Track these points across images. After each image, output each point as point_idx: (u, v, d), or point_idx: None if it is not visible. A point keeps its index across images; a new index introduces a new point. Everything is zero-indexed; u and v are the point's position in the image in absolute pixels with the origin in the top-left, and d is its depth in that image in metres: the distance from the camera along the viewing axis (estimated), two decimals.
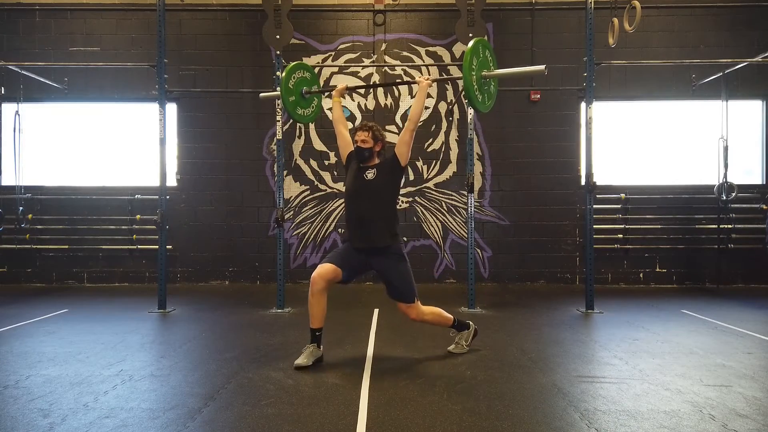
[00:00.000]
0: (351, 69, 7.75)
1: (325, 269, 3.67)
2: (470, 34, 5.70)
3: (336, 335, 4.57)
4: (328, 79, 7.76)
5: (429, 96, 7.74)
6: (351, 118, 7.76)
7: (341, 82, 7.68)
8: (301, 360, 3.67)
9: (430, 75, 7.72)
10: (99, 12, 7.78)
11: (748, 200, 7.44)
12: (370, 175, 3.76)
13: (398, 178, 3.86)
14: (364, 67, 7.71)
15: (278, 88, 4.35)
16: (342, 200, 7.76)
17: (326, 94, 5.76)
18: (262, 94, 4.93)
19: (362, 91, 7.76)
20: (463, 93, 3.51)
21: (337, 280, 3.73)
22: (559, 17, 7.71)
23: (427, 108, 7.72)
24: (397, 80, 7.59)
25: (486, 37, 7.58)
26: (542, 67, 3.57)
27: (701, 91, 7.45)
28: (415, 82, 3.92)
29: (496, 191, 7.76)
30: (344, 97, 4.14)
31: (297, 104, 4.23)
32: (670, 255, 7.65)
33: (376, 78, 7.77)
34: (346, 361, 3.86)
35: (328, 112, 7.57)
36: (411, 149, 3.82)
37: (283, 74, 4.14)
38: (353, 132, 3.87)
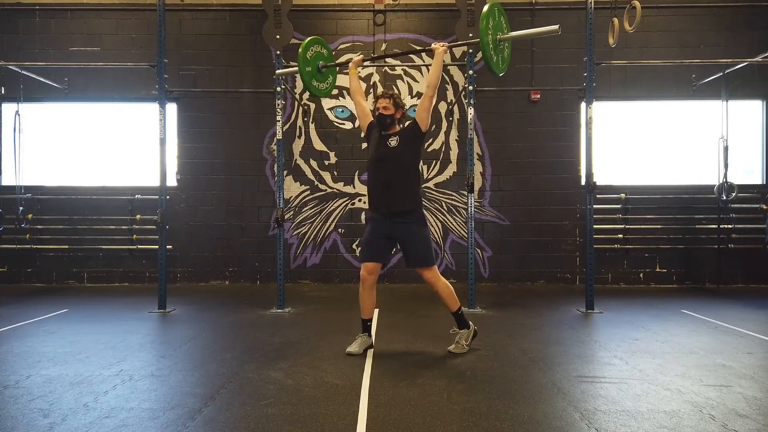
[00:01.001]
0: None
1: (371, 267, 3.98)
2: (470, 35, 5.70)
3: (336, 335, 4.57)
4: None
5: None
6: (351, 117, 7.77)
7: (342, 82, 7.70)
8: (352, 348, 3.99)
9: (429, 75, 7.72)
10: (99, 12, 7.78)
11: (748, 200, 7.44)
12: (393, 142, 3.93)
13: (420, 143, 4.04)
14: (364, 67, 7.71)
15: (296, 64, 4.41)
16: (342, 200, 7.77)
17: (342, 70, 5.78)
18: (278, 70, 5.02)
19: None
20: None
21: (381, 268, 4.06)
22: (559, 17, 7.69)
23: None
24: (399, 86, 7.59)
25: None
26: (556, 27, 3.67)
27: (701, 91, 7.45)
28: (429, 49, 4.01)
29: (496, 191, 7.76)
30: (361, 67, 4.38)
31: (313, 76, 4.30)
32: (670, 255, 7.65)
33: (376, 78, 7.77)
34: (346, 361, 3.86)
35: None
36: (430, 114, 3.97)
37: (300, 48, 4.19)
38: (374, 101, 4.07)
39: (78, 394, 3.15)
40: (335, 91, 7.75)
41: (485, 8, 3.66)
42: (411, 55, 7.72)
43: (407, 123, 4.06)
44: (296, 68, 4.29)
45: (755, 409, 2.91)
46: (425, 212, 4.54)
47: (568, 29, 7.66)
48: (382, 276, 7.71)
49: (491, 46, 3.66)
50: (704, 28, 7.68)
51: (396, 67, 7.73)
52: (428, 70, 7.69)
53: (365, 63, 4.93)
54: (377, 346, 4.23)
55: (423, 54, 7.72)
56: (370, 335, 4.12)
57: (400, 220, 3.91)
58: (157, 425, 2.70)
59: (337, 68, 4.58)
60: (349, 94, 7.74)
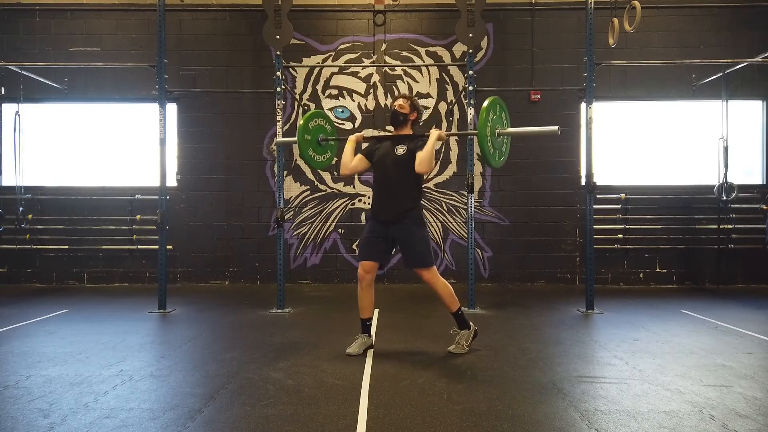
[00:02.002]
0: (351, 69, 7.75)
1: (368, 266, 3.97)
2: (470, 35, 5.70)
3: (336, 335, 4.57)
4: (328, 79, 7.77)
5: (429, 96, 7.74)
6: (351, 118, 7.77)
7: (342, 82, 7.74)
8: (351, 348, 3.99)
9: (430, 76, 7.72)
10: (99, 12, 7.78)
11: (748, 200, 7.44)
12: (400, 150, 3.92)
13: None
14: (364, 67, 7.71)
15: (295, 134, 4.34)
16: (342, 200, 7.77)
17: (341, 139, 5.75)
18: (277, 140, 5.05)
19: (362, 91, 7.77)
20: (478, 154, 3.63)
21: (378, 268, 4.04)
22: (559, 17, 7.71)
23: (426, 108, 7.72)
24: (401, 87, 7.62)
25: (486, 38, 7.66)
26: (555, 128, 3.75)
27: (701, 91, 7.45)
28: (427, 135, 3.90)
29: (496, 191, 7.76)
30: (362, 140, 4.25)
31: (314, 150, 4.29)
32: (670, 255, 7.65)
33: (376, 78, 7.77)
34: (346, 361, 3.86)
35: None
36: (434, 158, 3.97)
37: (301, 122, 4.20)
38: (393, 100, 4.10)
39: (78, 394, 3.15)
40: (335, 91, 7.76)
41: (486, 102, 3.70)
42: (411, 55, 7.73)
43: (417, 142, 3.91)
44: (295, 139, 4.26)
45: (755, 409, 2.91)
46: (424, 213, 4.50)
47: (568, 29, 7.69)
48: (381, 276, 7.71)
49: (489, 139, 3.70)
50: (704, 28, 7.68)
51: (396, 68, 7.73)
52: (428, 71, 7.73)
53: (364, 63, 4.92)
54: (377, 346, 4.23)
55: (423, 55, 7.75)
56: (369, 335, 4.12)
57: (398, 223, 3.90)
58: (157, 425, 2.70)
59: (337, 143, 4.49)
60: (348, 94, 7.77)
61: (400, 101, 4.02)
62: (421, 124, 4.13)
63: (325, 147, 4.40)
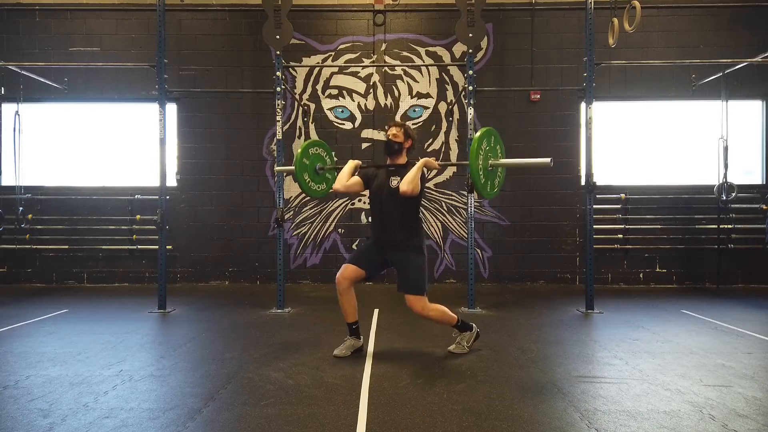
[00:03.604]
0: (351, 69, 7.75)
1: (347, 271, 3.88)
2: (470, 35, 5.70)
3: (336, 335, 4.57)
4: (328, 79, 7.77)
5: (429, 96, 7.75)
6: (351, 118, 7.77)
7: (342, 82, 7.74)
8: (338, 351, 3.96)
9: (430, 76, 7.72)
10: (99, 12, 7.78)
11: (748, 200, 7.44)
12: (394, 183, 3.82)
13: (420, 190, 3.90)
14: (364, 67, 7.71)
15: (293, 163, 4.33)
16: (342, 200, 7.77)
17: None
18: (277, 168, 5.06)
19: (362, 91, 7.77)
20: (469, 180, 3.56)
21: (361, 278, 3.93)
22: (559, 17, 7.71)
23: (426, 108, 7.73)
24: (400, 87, 7.61)
25: (486, 38, 7.66)
26: (548, 160, 3.66)
27: (701, 91, 7.45)
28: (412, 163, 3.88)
29: None
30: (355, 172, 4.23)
31: (310, 176, 4.31)
32: (670, 255, 7.65)
33: (376, 78, 7.77)
34: (346, 361, 3.86)
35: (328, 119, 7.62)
36: (417, 187, 3.72)
37: (299, 150, 4.23)
38: (385, 128, 4.07)
39: (78, 394, 3.15)
40: (335, 91, 7.76)
41: (478, 133, 3.64)
42: (411, 55, 7.73)
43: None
44: (293, 168, 4.25)
45: (755, 409, 2.91)
46: (421, 210, 4.39)
47: (568, 29, 7.69)
48: (381, 276, 7.70)
49: (481, 171, 3.62)
50: (704, 28, 7.68)
51: (396, 68, 7.73)
52: (428, 71, 7.73)
53: (364, 62, 4.92)
54: (377, 346, 4.23)
55: (423, 55, 7.75)
56: (358, 337, 4.04)
57: (398, 250, 3.84)
58: (157, 425, 2.70)
59: (334, 176, 4.48)
60: (348, 94, 7.76)
61: (394, 130, 3.92)
62: (415, 150, 4.04)
63: (322, 177, 4.44)
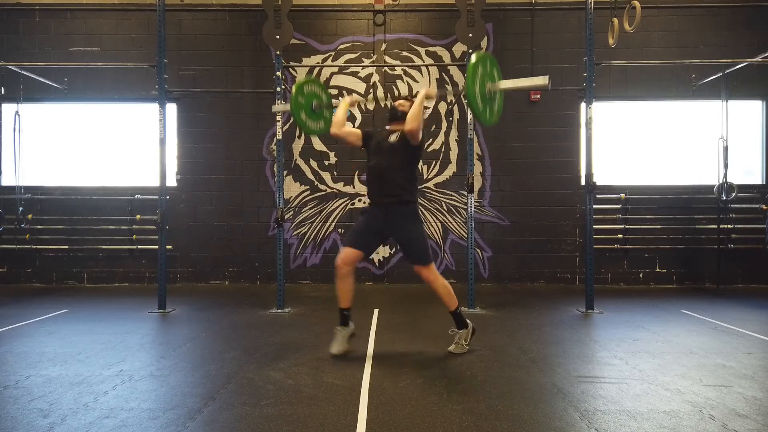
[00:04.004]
0: (351, 69, 7.75)
1: (347, 254, 3.95)
2: (470, 35, 5.70)
3: None
4: (328, 80, 7.76)
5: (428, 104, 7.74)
6: (351, 118, 7.76)
7: (342, 82, 7.73)
8: (335, 348, 3.98)
9: (430, 76, 7.72)
10: (99, 12, 7.78)
11: (748, 200, 7.44)
12: (393, 138, 4.01)
13: (417, 149, 4.03)
14: (364, 67, 7.71)
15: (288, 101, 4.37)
16: (342, 200, 7.77)
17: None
18: (274, 108, 5.04)
19: (362, 91, 7.76)
20: (467, 103, 3.54)
21: (360, 260, 4.01)
22: (559, 17, 7.71)
23: (426, 108, 7.69)
24: (400, 87, 7.61)
25: (486, 38, 7.66)
26: (545, 79, 3.58)
27: (701, 91, 7.45)
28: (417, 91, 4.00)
29: (496, 191, 7.76)
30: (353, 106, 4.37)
31: (306, 114, 4.29)
32: (670, 255, 7.65)
33: (376, 78, 7.77)
34: (346, 361, 3.86)
35: None
36: (419, 133, 3.90)
37: (295, 85, 4.18)
38: (391, 101, 4.15)
39: (78, 394, 3.15)
40: (335, 91, 7.76)
41: (473, 58, 3.58)
42: (411, 55, 7.72)
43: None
44: (289, 106, 4.25)
45: (755, 409, 2.91)
46: (421, 210, 4.51)
47: (568, 29, 7.69)
48: (381, 276, 7.73)
49: (479, 96, 3.58)
50: (704, 28, 7.68)
51: (396, 68, 7.73)
52: (428, 71, 7.73)
53: (364, 63, 4.93)
54: (377, 347, 4.23)
55: (423, 55, 7.75)
56: (347, 324, 4.05)
57: (394, 213, 3.92)
58: (157, 425, 2.70)
59: (331, 113, 4.49)
60: (348, 94, 7.76)
61: (402, 101, 4.12)
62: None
63: (319, 115, 4.39)
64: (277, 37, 5.73)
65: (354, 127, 7.73)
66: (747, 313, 5.66)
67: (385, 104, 7.73)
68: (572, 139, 7.72)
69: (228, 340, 4.57)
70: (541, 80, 3.61)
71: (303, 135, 7.80)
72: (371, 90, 7.74)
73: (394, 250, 7.75)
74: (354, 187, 7.78)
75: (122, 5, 7.75)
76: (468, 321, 4.17)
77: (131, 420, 2.76)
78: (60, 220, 7.73)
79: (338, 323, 4.07)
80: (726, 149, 7.01)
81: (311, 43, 7.79)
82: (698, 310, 5.81)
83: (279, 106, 5.00)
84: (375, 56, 7.73)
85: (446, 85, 7.69)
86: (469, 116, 5.92)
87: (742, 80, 7.45)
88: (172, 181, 7.67)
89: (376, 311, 5.69)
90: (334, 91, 7.76)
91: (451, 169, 7.75)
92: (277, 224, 5.88)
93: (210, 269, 7.80)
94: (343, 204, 7.79)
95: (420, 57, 7.75)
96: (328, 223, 7.80)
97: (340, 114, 4.15)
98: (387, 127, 4.16)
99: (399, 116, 4.05)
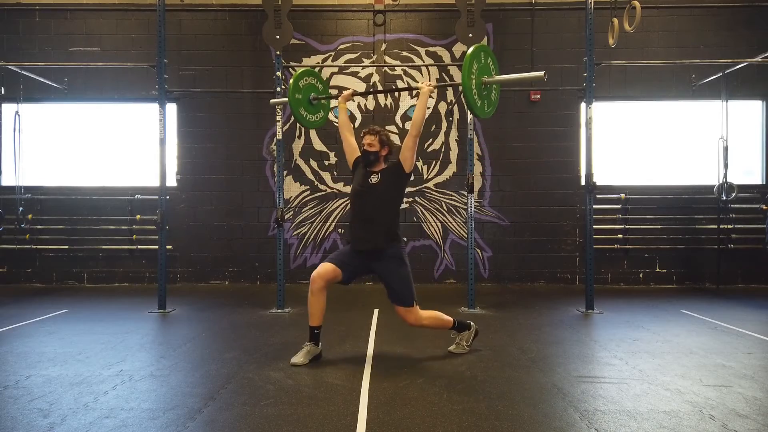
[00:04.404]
0: (351, 69, 7.75)
1: (324, 269, 3.75)
2: (470, 35, 5.70)
3: (336, 335, 4.57)
4: (328, 80, 7.76)
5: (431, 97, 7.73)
6: (351, 118, 7.75)
7: (342, 82, 7.73)
8: (297, 358, 3.75)
9: (430, 76, 7.72)
10: (99, 12, 7.77)
11: (748, 200, 7.44)
12: (374, 179, 3.80)
13: (402, 183, 3.89)
14: (364, 67, 7.71)
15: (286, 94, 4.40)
16: (342, 200, 7.77)
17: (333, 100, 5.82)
18: (272, 101, 5.05)
19: (362, 91, 7.75)
20: (463, 96, 3.52)
21: (337, 280, 3.80)
22: (559, 17, 7.71)
23: (426, 108, 7.71)
24: (399, 86, 7.61)
25: (486, 38, 7.65)
26: (541, 73, 3.56)
27: (701, 91, 7.45)
28: (416, 89, 3.94)
29: (496, 191, 7.76)
30: (353, 99, 4.34)
31: (305, 109, 4.30)
32: (670, 255, 7.65)
33: (376, 78, 7.77)
34: (346, 361, 3.86)
35: (333, 119, 7.63)
36: (415, 154, 3.83)
37: (291, 80, 4.18)
38: (361, 136, 3.90)
39: (78, 394, 3.15)
40: (335, 91, 7.71)
41: (469, 50, 3.55)
42: (411, 55, 7.72)
43: (391, 163, 3.89)
44: (286, 99, 4.27)
45: (755, 409, 2.91)
46: (421, 210, 4.46)
47: (568, 29, 7.69)
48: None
49: (475, 90, 3.55)
50: (704, 28, 7.68)
51: (396, 68, 7.73)
52: (428, 71, 7.72)
53: (364, 63, 4.93)
54: (377, 347, 4.23)
55: (423, 55, 7.75)
56: (317, 344, 3.84)
57: (377, 258, 3.76)
58: (157, 425, 2.70)
59: (329, 101, 4.54)
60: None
61: (368, 139, 3.82)
62: (392, 156, 3.97)
63: (318, 106, 4.40)
64: (277, 37, 5.73)
65: (354, 127, 7.74)
66: (747, 313, 5.66)
67: (385, 104, 7.73)
68: (572, 139, 7.72)
69: (228, 340, 4.57)
70: (537, 74, 3.60)
71: (303, 135, 7.80)
72: (371, 90, 7.73)
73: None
74: None
75: (122, 5, 7.75)
76: (471, 323, 4.17)
77: (131, 420, 2.76)
78: (60, 220, 7.73)
79: (308, 339, 3.84)
80: (726, 149, 7.01)
81: (311, 43, 7.79)
82: (698, 310, 5.81)
83: (277, 100, 5.02)
84: (375, 56, 7.73)
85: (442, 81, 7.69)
86: (469, 116, 5.92)
87: (742, 80, 7.45)
88: (172, 181, 7.67)
89: (376, 311, 5.69)
90: (334, 91, 7.73)
91: (451, 169, 7.75)
92: (277, 224, 5.88)
93: (210, 269, 7.80)
94: (343, 204, 7.79)
95: (420, 57, 7.75)
96: (328, 223, 7.80)
97: (341, 117, 4.09)
98: (390, 129, 4.08)
99: (372, 160, 3.83)
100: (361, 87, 7.73)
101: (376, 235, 3.73)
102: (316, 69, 7.71)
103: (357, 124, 7.74)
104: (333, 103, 4.63)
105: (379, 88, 7.74)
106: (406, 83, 7.74)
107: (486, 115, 3.80)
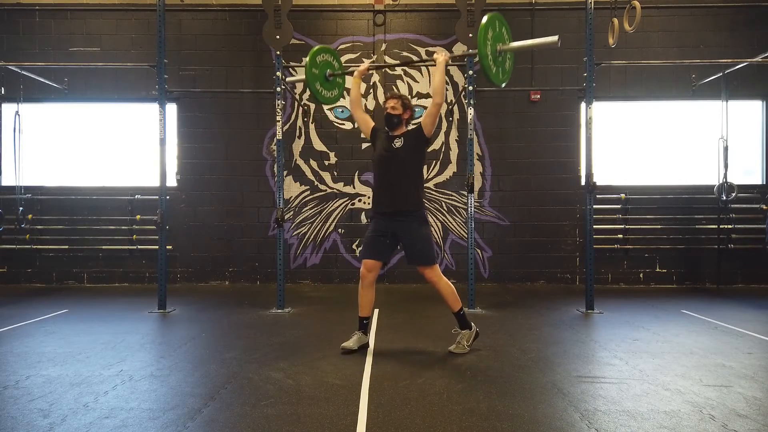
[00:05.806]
0: (351, 69, 7.72)
1: (371, 265, 4.03)
2: (470, 35, 5.70)
3: (336, 335, 4.56)
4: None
5: (429, 96, 7.74)
6: (351, 118, 7.77)
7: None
8: (348, 344, 4.02)
9: (430, 75, 7.72)
10: (99, 12, 7.78)
11: (748, 200, 7.44)
12: (397, 143, 3.99)
13: (424, 147, 4.07)
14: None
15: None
16: (342, 200, 7.77)
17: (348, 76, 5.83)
18: (288, 78, 5.05)
19: (362, 91, 7.75)
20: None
21: (381, 267, 4.11)
22: (559, 17, 7.71)
23: (426, 108, 7.72)
24: (400, 86, 7.61)
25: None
26: (555, 37, 3.64)
27: (701, 91, 7.45)
28: (432, 61, 4.03)
29: (496, 191, 7.76)
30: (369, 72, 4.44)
31: (318, 80, 4.33)
32: (670, 255, 7.65)
33: (376, 78, 7.77)
34: (346, 361, 3.86)
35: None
36: (436, 121, 3.99)
37: (309, 55, 4.21)
38: (384, 101, 4.12)
39: (78, 394, 3.14)
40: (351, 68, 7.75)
41: (484, 19, 3.61)
42: (411, 55, 7.72)
43: (413, 126, 4.11)
44: (303, 76, 4.31)
45: (755, 409, 2.91)
46: (428, 213, 4.56)
47: (568, 29, 7.68)
48: (381, 276, 7.71)
49: (490, 57, 3.61)
50: (704, 28, 7.68)
51: (396, 68, 7.72)
52: (428, 71, 7.72)
53: (370, 71, 4.97)
54: (377, 346, 4.23)
55: (423, 55, 7.75)
56: (366, 333, 4.14)
57: (401, 219, 3.95)
58: (157, 425, 2.70)
59: (344, 79, 4.60)
60: (348, 95, 7.75)
61: (392, 102, 4.04)
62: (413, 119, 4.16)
63: (333, 83, 4.46)
64: (277, 37, 5.73)
65: (354, 126, 7.74)
66: (747, 313, 5.66)
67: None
68: (572, 139, 7.72)
69: (228, 340, 4.57)
70: (551, 39, 3.66)
71: (303, 135, 7.80)
72: (371, 90, 7.74)
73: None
74: (354, 188, 7.78)
75: (122, 5, 7.75)
76: (472, 323, 4.17)
77: (131, 420, 2.76)
78: (60, 220, 7.73)
79: (357, 328, 4.14)
80: (726, 149, 7.01)
81: (311, 43, 7.78)
82: (698, 310, 5.81)
83: (293, 77, 5.04)
84: (375, 56, 7.73)
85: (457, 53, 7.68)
86: (469, 116, 5.92)
87: (742, 80, 7.45)
88: (172, 181, 7.67)
89: (376, 311, 5.68)
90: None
91: (451, 169, 7.75)
92: (277, 224, 5.87)
93: (210, 269, 7.80)
94: (343, 204, 7.79)
95: (420, 57, 7.74)
96: (328, 224, 7.80)
97: (354, 92, 4.20)
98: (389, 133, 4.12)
99: (395, 123, 4.04)
100: (361, 87, 7.71)
101: (401, 198, 3.93)
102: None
103: (357, 124, 7.73)
104: (348, 82, 4.66)
105: (380, 88, 7.73)
106: (406, 83, 7.74)
107: (501, 82, 3.86)
